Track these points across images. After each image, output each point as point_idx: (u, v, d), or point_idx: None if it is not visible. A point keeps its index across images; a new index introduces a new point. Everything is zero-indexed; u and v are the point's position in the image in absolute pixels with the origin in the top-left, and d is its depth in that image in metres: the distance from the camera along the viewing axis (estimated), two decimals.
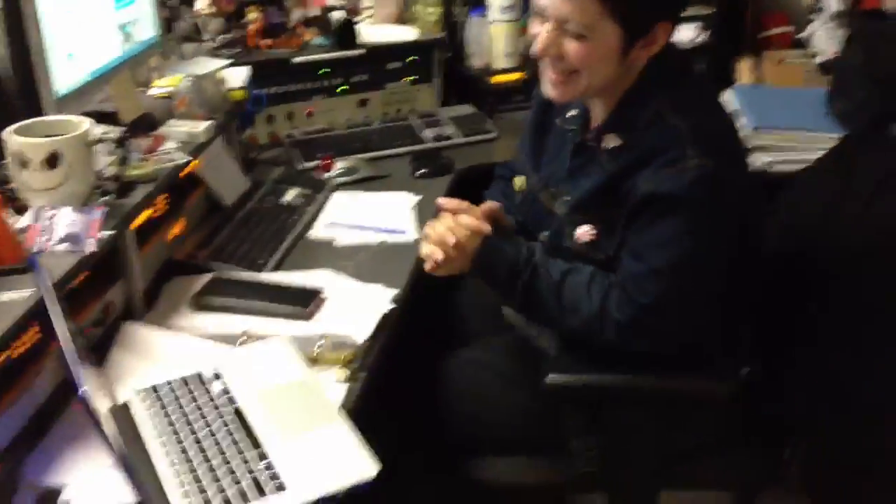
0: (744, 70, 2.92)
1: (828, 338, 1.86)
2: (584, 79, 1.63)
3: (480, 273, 1.74)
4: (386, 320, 1.81)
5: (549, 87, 1.68)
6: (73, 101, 1.85)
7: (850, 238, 1.90)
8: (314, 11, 2.73)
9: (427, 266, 1.75)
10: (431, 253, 1.72)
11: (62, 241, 1.58)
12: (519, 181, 1.93)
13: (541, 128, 1.88)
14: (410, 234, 2.16)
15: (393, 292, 1.89)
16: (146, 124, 2.05)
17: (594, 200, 1.69)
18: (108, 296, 1.72)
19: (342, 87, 2.73)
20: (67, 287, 1.54)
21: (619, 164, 1.64)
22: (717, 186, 1.57)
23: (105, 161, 1.83)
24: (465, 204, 1.78)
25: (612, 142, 1.67)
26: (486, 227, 1.73)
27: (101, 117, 2.02)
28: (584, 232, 1.70)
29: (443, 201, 1.79)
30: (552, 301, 1.69)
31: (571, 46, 1.59)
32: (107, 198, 1.73)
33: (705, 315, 1.68)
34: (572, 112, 1.80)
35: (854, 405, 1.85)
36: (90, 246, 1.58)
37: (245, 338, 1.71)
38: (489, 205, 1.86)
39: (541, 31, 1.62)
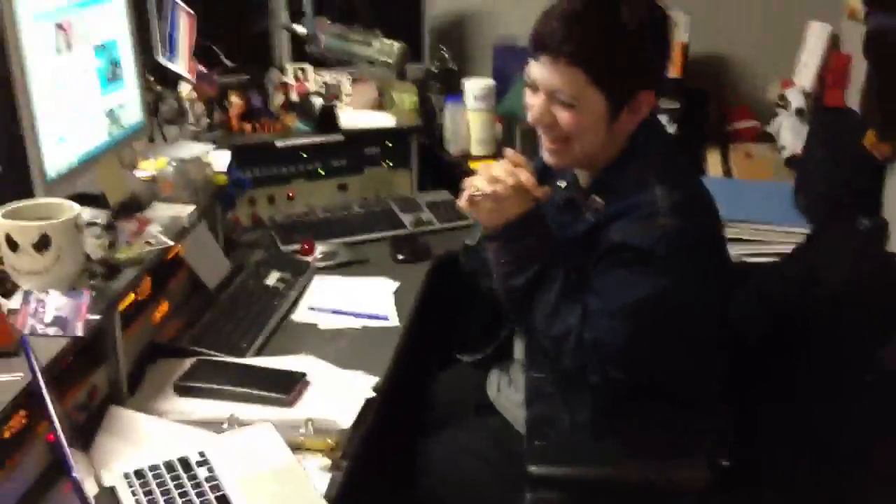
0: (712, 162, 3.00)
1: (806, 389, 1.91)
2: (576, 145, 1.72)
3: (507, 235, 1.75)
4: (368, 407, 1.82)
5: (546, 154, 1.78)
6: (62, 183, 1.87)
7: (815, 332, 1.95)
8: (295, 97, 2.78)
9: (464, 197, 1.76)
10: (480, 186, 1.74)
11: (51, 324, 1.58)
12: None
13: None
14: (392, 320, 2.18)
15: (374, 380, 1.90)
16: (132, 207, 2.07)
17: (573, 251, 1.75)
18: (93, 379, 1.72)
19: (322, 171, 2.77)
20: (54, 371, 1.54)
21: (599, 219, 1.73)
22: (683, 247, 1.66)
23: (92, 243, 1.84)
24: (525, 162, 1.79)
25: (596, 202, 1.75)
26: (540, 192, 1.76)
27: (88, 199, 2.04)
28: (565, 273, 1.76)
29: (509, 152, 1.80)
30: (546, 303, 1.72)
31: (562, 115, 1.69)
32: (94, 281, 1.74)
33: (659, 363, 1.72)
34: (561, 182, 1.88)
35: (833, 455, 1.89)
36: (78, 330, 1.59)
37: (230, 424, 1.71)
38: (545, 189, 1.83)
39: (534, 102, 1.72)
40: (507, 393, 2.01)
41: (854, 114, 2.68)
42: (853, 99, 2.82)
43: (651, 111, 1.76)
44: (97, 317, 1.64)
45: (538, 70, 1.69)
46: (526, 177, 1.74)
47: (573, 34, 1.63)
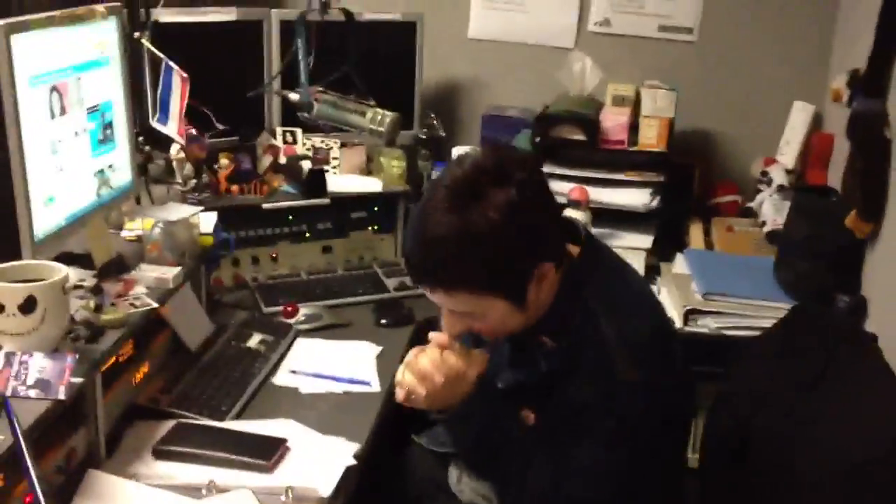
0: (694, 235, 3.04)
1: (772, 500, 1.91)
2: (505, 332, 1.71)
3: (454, 420, 1.75)
4: (348, 474, 1.81)
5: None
6: (49, 244, 1.89)
7: (793, 411, 1.96)
8: (283, 159, 2.80)
9: (400, 396, 1.74)
10: (412, 387, 1.71)
11: (33, 386, 1.58)
12: None
13: None
14: (374, 386, 2.19)
15: (355, 446, 1.90)
16: (117, 267, 2.08)
17: (530, 393, 1.73)
18: (72, 441, 1.71)
19: (307, 234, 2.79)
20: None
21: (553, 367, 1.69)
22: (645, 398, 1.63)
23: (77, 305, 1.85)
24: (455, 344, 1.74)
25: (546, 342, 1.71)
26: (473, 375, 1.72)
27: (74, 259, 2.05)
28: (526, 415, 1.74)
29: (434, 336, 1.75)
30: (510, 471, 1.73)
31: (472, 323, 1.68)
32: (77, 343, 1.75)
33: None
34: None
35: None
36: (61, 393, 1.59)
37: (208, 490, 1.71)
38: (478, 352, 1.79)
39: (442, 315, 1.72)
40: (469, 482, 2.01)
41: (835, 193, 2.73)
42: (834, 177, 2.87)
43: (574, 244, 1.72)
44: (79, 380, 1.64)
45: (429, 294, 1.67)
46: (456, 362, 1.70)
47: (438, 263, 1.59)
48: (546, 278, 1.64)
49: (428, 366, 1.70)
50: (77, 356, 1.66)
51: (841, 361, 1.98)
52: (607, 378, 1.62)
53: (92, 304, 1.82)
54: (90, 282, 1.85)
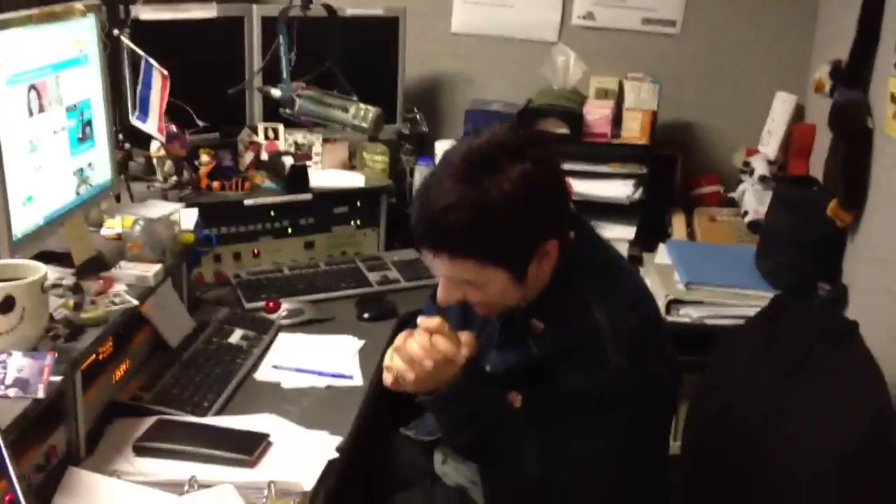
0: (677, 225, 3.05)
1: (751, 491, 1.92)
2: (499, 306, 1.71)
3: (440, 403, 1.74)
4: (330, 468, 1.82)
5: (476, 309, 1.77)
6: (27, 243, 1.88)
7: (775, 401, 1.97)
8: (265, 155, 2.80)
9: (388, 380, 1.73)
10: (401, 371, 1.70)
11: (11, 385, 1.58)
12: None
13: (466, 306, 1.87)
14: (356, 380, 2.19)
15: (338, 440, 1.90)
16: (97, 266, 2.08)
17: (518, 376, 1.74)
18: (52, 440, 1.71)
19: (289, 229, 2.79)
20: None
21: (544, 351, 1.70)
22: (639, 385, 1.64)
23: (56, 303, 1.84)
24: (445, 325, 1.72)
25: (537, 324, 1.71)
26: (462, 358, 1.71)
27: (53, 257, 2.05)
28: (513, 396, 1.74)
29: (422, 320, 1.73)
30: (497, 454, 1.73)
31: (470, 294, 1.68)
32: (57, 342, 1.74)
33: (624, 494, 1.73)
34: None
35: None
36: (40, 392, 1.59)
37: (190, 486, 1.71)
38: (466, 335, 1.77)
39: (439, 282, 1.71)
40: (454, 465, 2.02)
41: (817, 183, 2.74)
42: (816, 168, 2.88)
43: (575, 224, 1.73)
44: (59, 378, 1.64)
45: (430, 260, 1.67)
46: (445, 346, 1.68)
47: (448, 229, 1.59)
48: (549, 257, 1.65)
49: (417, 350, 1.68)
50: (56, 355, 1.66)
51: (822, 350, 1.98)
52: (600, 365, 1.63)
53: (71, 302, 1.82)
54: (69, 280, 1.84)
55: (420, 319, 1.74)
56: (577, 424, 1.66)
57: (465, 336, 1.75)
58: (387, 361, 1.74)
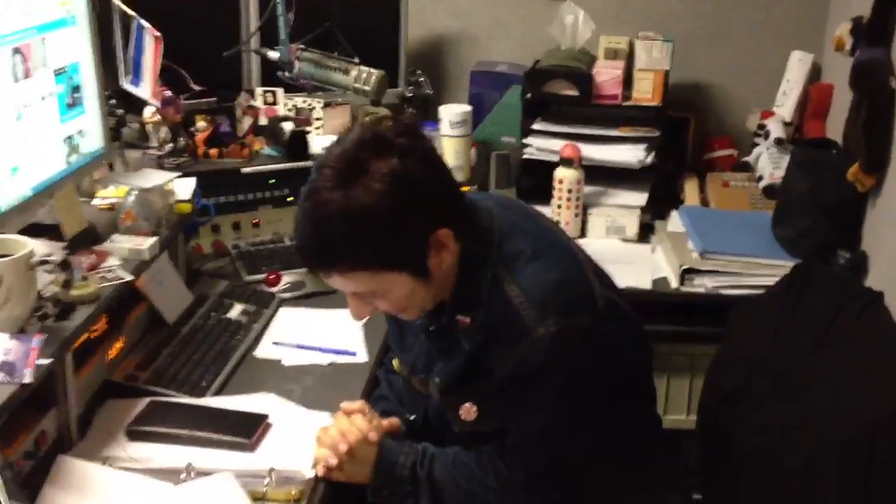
0: (690, 191, 2.95)
1: (771, 464, 1.86)
2: (415, 308, 1.64)
3: (381, 478, 1.72)
4: None
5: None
6: (14, 216, 1.81)
7: (796, 373, 1.91)
8: (264, 121, 2.70)
9: (319, 472, 1.69)
10: (324, 458, 1.68)
11: None
12: (396, 364, 1.91)
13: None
14: (360, 356, 2.11)
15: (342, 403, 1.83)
16: (88, 239, 1.99)
17: (462, 380, 1.67)
18: (41, 425, 1.64)
19: (290, 198, 2.69)
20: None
21: (474, 342, 1.62)
22: (567, 347, 1.56)
23: (45, 279, 1.76)
24: (366, 407, 1.78)
25: (464, 320, 1.63)
26: (374, 435, 1.71)
27: (42, 230, 1.96)
28: (467, 410, 1.69)
29: (345, 405, 1.77)
30: (456, 485, 1.70)
31: (378, 303, 1.61)
32: (46, 321, 1.66)
33: (600, 468, 1.71)
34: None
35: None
36: (27, 377, 1.50)
37: (187, 473, 1.63)
38: (391, 420, 1.84)
39: (348, 300, 1.63)
40: None
41: (835, 145, 2.65)
42: (833, 129, 2.79)
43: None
44: (47, 361, 1.56)
45: (326, 280, 1.59)
46: (360, 425, 1.71)
47: (327, 248, 1.51)
48: (446, 247, 1.56)
49: (336, 435, 1.70)
50: (44, 336, 1.58)
51: (846, 321, 1.93)
52: (522, 339, 1.56)
53: (60, 279, 1.73)
54: (58, 256, 1.75)
55: (342, 404, 1.78)
56: (528, 408, 1.61)
57: (388, 421, 1.81)
58: (315, 455, 1.71)
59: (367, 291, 1.57)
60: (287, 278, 2.41)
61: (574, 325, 1.57)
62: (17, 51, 1.78)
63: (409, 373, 1.83)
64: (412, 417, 1.89)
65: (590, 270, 1.68)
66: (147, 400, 1.85)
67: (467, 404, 1.68)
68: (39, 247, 1.86)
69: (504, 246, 1.62)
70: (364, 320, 1.73)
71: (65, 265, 1.72)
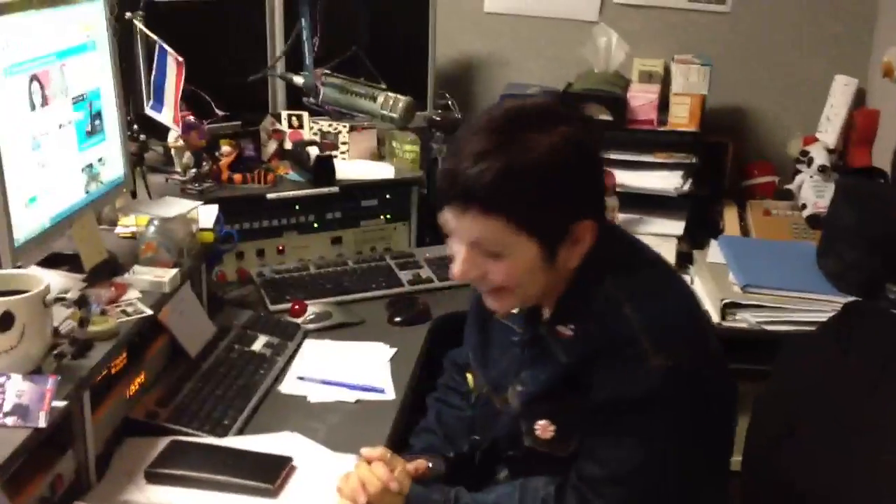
0: (729, 219, 2.86)
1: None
2: (517, 292, 1.53)
3: None
4: None
5: (486, 301, 1.60)
6: (31, 248, 1.74)
7: (848, 418, 1.82)
8: (289, 145, 2.64)
9: None
10: None
11: (10, 413, 1.43)
12: (470, 380, 1.82)
13: (482, 322, 1.76)
14: (388, 393, 2.03)
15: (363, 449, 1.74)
16: (109, 269, 1.92)
17: (551, 394, 1.57)
18: (57, 468, 1.56)
19: (315, 224, 2.63)
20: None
21: (575, 357, 1.53)
22: (680, 385, 1.47)
23: (62, 314, 1.69)
24: (387, 454, 1.66)
25: (564, 332, 1.55)
26: (396, 485, 1.61)
27: (61, 260, 1.90)
28: (543, 427, 1.58)
29: (365, 451, 1.67)
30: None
31: (491, 267, 1.49)
32: (62, 360, 1.59)
33: None
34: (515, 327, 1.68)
35: None
36: (41, 420, 1.43)
37: None
38: (416, 464, 1.72)
39: (457, 253, 1.51)
40: None
41: (883, 174, 2.56)
42: (879, 157, 2.69)
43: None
44: (63, 403, 1.49)
45: (452, 220, 1.48)
46: (380, 474, 1.61)
47: (484, 177, 1.41)
48: (580, 244, 1.49)
49: (355, 485, 1.61)
50: (59, 378, 1.50)
51: None
52: (639, 365, 1.46)
53: (77, 316, 1.65)
54: (75, 292, 1.68)
55: (363, 451, 1.68)
56: (622, 436, 1.49)
57: (413, 464, 1.70)
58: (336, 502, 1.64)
59: (490, 248, 1.47)
60: (312, 308, 2.33)
61: (690, 364, 1.49)
62: (34, 78, 1.72)
63: (492, 389, 1.72)
64: (452, 455, 1.80)
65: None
66: (167, 439, 1.77)
67: (545, 421, 1.58)
68: (57, 279, 1.81)
69: (626, 265, 1.56)
70: (460, 280, 1.56)
71: (81, 302, 1.64)
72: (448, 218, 1.49)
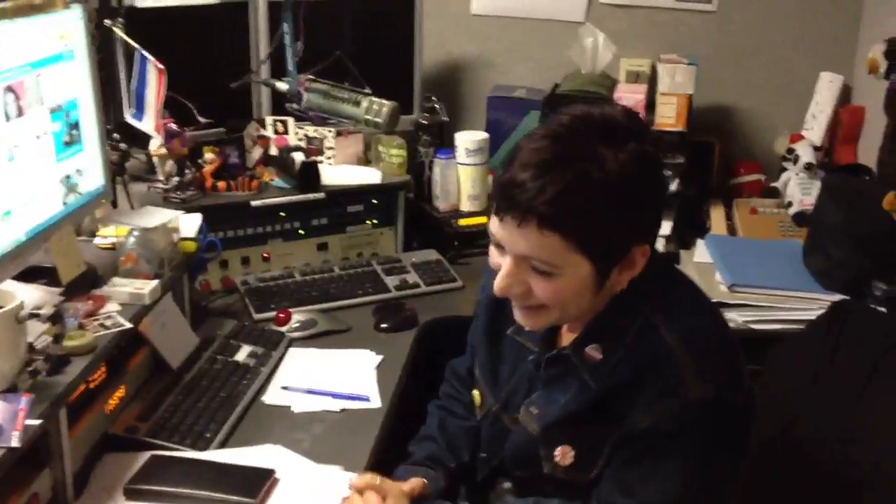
0: (716, 218, 2.85)
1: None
2: (556, 311, 1.46)
3: None
4: None
5: (518, 316, 1.52)
6: (6, 263, 1.71)
7: (839, 419, 1.81)
8: (274, 151, 2.62)
9: None
10: None
11: None
12: (476, 397, 1.76)
13: (494, 337, 1.70)
14: (374, 401, 2.01)
15: (350, 477, 1.71)
16: (87, 282, 1.90)
17: (577, 419, 1.51)
18: (34, 487, 1.54)
19: (301, 230, 2.61)
20: None
21: (608, 382, 1.47)
22: (719, 416, 1.42)
23: (38, 329, 1.67)
24: (376, 479, 1.60)
25: (593, 356, 1.49)
26: None
27: (38, 273, 1.88)
28: (563, 452, 1.52)
29: (354, 482, 1.61)
30: None
31: (538, 284, 1.42)
32: (37, 377, 1.57)
33: None
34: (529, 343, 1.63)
35: None
36: (14, 440, 1.41)
37: None
38: (412, 483, 1.64)
39: (500, 264, 1.44)
40: None
41: (868, 171, 2.54)
42: (865, 154, 2.68)
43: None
44: (37, 422, 1.47)
45: (504, 232, 1.40)
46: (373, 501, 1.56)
47: (545, 190, 1.33)
48: (632, 269, 1.44)
49: None
50: (33, 396, 1.48)
51: (891, 365, 1.82)
52: (676, 394, 1.40)
53: (52, 332, 1.64)
54: (50, 307, 1.66)
55: (351, 481, 1.62)
56: (656, 469, 1.43)
57: (409, 484, 1.63)
58: None
59: (544, 261, 1.39)
60: (297, 316, 2.31)
61: (730, 393, 1.44)
62: (9, 89, 1.70)
63: (501, 408, 1.66)
64: (454, 465, 1.76)
65: None
66: (147, 454, 1.76)
67: (566, 447, 1.52)
68: (34, 293, 1.79)
69: (662, 289, 1.50)
70: (501, 294, 1.47)
71: (56, 318, 1.62)
72: (497, 227, 1.42)
